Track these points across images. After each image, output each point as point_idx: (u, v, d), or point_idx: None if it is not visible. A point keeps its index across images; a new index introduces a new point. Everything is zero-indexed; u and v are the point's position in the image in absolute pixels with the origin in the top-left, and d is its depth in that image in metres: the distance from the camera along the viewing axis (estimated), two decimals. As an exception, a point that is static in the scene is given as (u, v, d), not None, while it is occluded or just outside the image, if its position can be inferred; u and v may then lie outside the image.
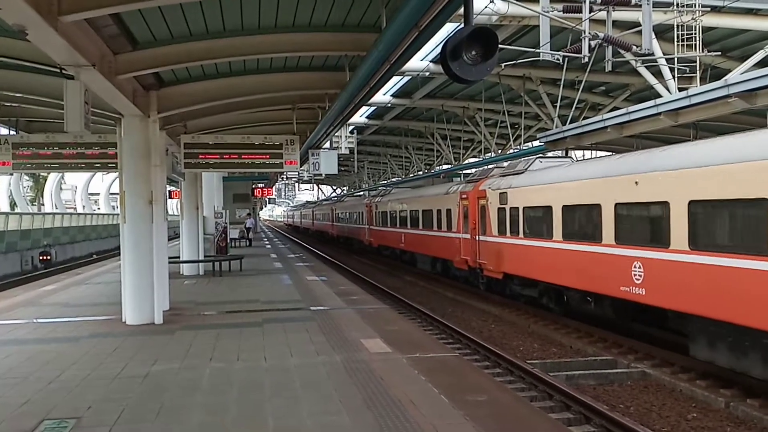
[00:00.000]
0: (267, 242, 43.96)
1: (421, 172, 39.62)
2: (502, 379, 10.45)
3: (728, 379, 10.03)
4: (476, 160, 33.59)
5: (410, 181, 39.23)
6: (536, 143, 25.00)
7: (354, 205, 43.68)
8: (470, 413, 6.49)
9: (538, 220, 15.45)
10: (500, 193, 17.52)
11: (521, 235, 16.20)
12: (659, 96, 14.71)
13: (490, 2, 13.61)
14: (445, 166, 36.44)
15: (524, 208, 16.06)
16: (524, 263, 16.17)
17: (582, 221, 13.58)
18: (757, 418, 8.71)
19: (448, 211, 22.20)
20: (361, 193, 55.01)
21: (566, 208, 14.08)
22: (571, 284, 13.91)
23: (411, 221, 27.49)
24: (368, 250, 38.36)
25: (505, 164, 21.06)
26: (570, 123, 18.32)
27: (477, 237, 19.23)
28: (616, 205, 12.14)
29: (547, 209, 14.82)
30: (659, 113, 13.81)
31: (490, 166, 22.27)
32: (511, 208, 16.82)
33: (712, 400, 9.51)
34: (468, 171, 33.80)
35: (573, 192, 13.81)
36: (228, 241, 28.99)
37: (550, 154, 19.74)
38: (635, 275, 11.44)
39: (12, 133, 15.15)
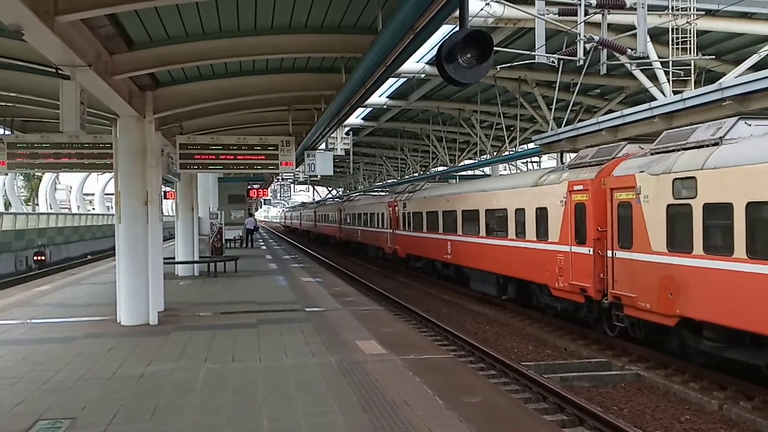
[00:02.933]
0: (262, 243, 43.92)
1: (416, 174, 39.52)
2: (496, 380, 10.47)
3: (722, 382, 10.07)
4: (472, 162, 33.67)
5: (446, 174, 31.83)
6: (531, 145, 25.09)
7: (370, 204, 35.12)
8: (464, 414, 6.50)
9: None
10: (675, 180, 10.69)
11: (739, 253, 9.26)
12: (654, 99, 14.76)
13: (486, 5, 13.65)
14: (440, 168, 36.48)
15: (750, 204, 9.17)
16: (744, 304, 9.14)
17: None
18: (750, 420, 8.76)
19: (540, 210, 15.22)
20: (351, 190, 54.24)
21: None
22: None
23: (465, 225, 20.31)
24: (389, 260, 31.17)
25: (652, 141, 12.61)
26: (565, 125, 18.36)
27: (610, 252, 12.44)
28: None
29: None
30: (654, 116, 13.84)
31: (609, 145, 14.27)
32: (706, 206, 10.01)
33: (705, 403, 9.54)
34: (464, 173, 33.71)
35: None
36: (223, 242, 29.00)
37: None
38: None
39: (7, 132, 15.11)
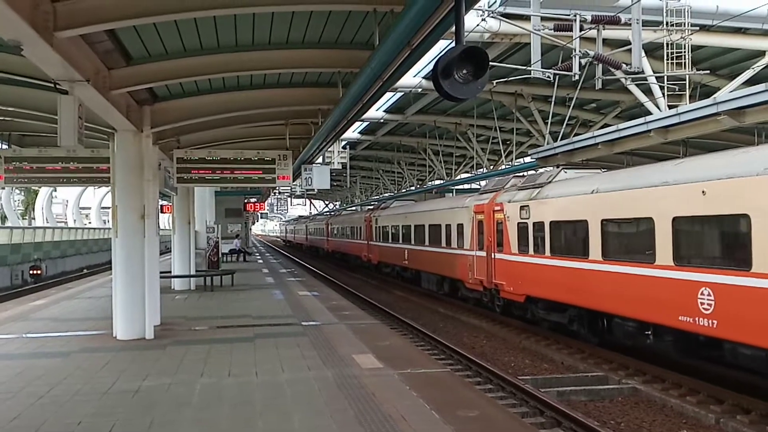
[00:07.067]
0: (259, 257, 43.86)
1: (413, 188, 39.52)
2: (493, 394, 10.43)
3: (719, 395, 10.07)
4: (468, 175, 33.80)
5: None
6: (528, 159, 25.15)
7: (432, 211, 23.46)
8: (461, 429, 6.50)
9: None
10: None
11: None
12: (649, 113, 14.86)
13: (482, 20, 13.76)
14: (437, 182, 36.55)
15: None
16: None
17: None
18: (747, 434, 8.75)
19: None
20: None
21: None
22: None
23: None
24: (467, 297, 20.30)
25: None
26: (561, 139, 18.45)
27: None
28: None
29: None
30: (649, 130, 13.94)
31: None
32: None
33: (702, 416, 9.53)
34: (460, 187, 33.87)
35: None
36: (219, 255, 28.96)
37: None
38: None
39: (4, 146, 15.14)
